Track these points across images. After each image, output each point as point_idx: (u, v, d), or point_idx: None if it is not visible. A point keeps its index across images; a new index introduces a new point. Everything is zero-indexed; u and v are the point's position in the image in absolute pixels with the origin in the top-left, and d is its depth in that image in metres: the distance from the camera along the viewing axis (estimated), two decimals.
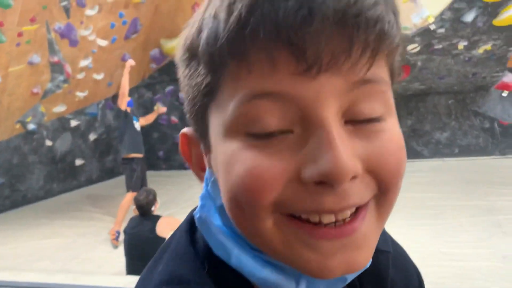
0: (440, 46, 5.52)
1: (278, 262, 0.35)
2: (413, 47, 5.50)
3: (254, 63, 0.30)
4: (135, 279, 2.32)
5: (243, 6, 0.29)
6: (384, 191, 0.33)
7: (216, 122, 0.34)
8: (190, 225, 0.42)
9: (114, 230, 4.27)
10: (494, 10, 5.09)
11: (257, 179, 0.31)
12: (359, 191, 0.31)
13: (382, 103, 0.32)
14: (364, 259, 0.33)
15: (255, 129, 0.31)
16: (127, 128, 4.55)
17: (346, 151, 0.29)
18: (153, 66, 7.72)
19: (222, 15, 0.30)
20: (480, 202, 4.56)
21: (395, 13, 0.32)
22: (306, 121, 0.30)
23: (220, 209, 0.38)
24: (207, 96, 0.34)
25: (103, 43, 5.84)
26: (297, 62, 0.29)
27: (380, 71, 0.32)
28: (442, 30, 5.27)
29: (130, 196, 4.38)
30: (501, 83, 6.36)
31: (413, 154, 6.96)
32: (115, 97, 4.94)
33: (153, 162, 8.39)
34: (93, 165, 7.51)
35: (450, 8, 5.05)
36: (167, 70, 7.59)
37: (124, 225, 3.42)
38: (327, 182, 0.29)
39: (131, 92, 7.75)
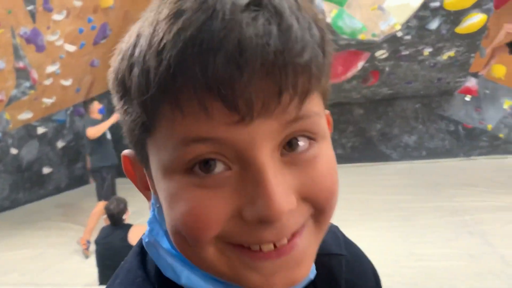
0: (407, 53, 5.68)
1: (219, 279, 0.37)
2: (381, 53, 5.64)
3: (187, 110, 0.31)
4: None
5: (171, 56, 0.29)
6: (320, 212, 0.35)
7: (155, 158, 0.35)
8: (141, 248, 0.43)
9: (84, 239, 4.17)
10: (456, 18, 5.30)
11: (198, 218, 0.32)
12: (295, 220, 0.33)
13: (314, 131, 0.34)
14: (304, 273, 0.35)
15: (196, 168, 0.32)
16: (98, 137, 4.46)
17: (280, 189, 0.31)
18: None
19: (151, 63, 0.30)
20: (447, 203, 4.72)
21: (324, 45, 0.33)
22: (242, 161, 0.32)
23: (167, 233, 0.39)
24: (144, 132, 0.35)
25: (71, 48, 5.70)
26: (230, 112, 0.30)
27: (312, 105, 0.33)
28: (408, 37, 5.43)
29: (101, 205, 4.29)
30: (464, 87, 6.62)
31: (382, 157, 7.12)
32: (86, 104, 4.79)
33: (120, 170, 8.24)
34: (62, 173, 7.30)
35: (415, 16, 5.21)
36: None
37: (95, 235, 3.35)
38: (266, 220, 0.31)
39: (100, 99, 7.61)
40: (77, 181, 7.52)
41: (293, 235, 0.34)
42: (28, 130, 6.52)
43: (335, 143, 7.15)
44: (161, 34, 0.30)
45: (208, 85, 0.29)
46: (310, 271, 0.37)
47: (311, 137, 0.34)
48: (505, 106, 6.39)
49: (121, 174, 7.94)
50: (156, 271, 0.40)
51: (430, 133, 6.99)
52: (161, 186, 0.35)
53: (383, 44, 5.51)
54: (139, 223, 3.41)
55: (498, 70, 6.38)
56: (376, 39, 5.39)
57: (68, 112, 7.20)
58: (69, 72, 6.11)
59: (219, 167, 0.32)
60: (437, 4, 5.12)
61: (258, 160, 0.31)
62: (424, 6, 5.15)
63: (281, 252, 0.33)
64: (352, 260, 0.52)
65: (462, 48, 5.72)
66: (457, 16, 5.27)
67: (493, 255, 3.36)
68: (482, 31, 5.54)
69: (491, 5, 5.23)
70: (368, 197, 5.18)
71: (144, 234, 0.42)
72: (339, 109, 7.01)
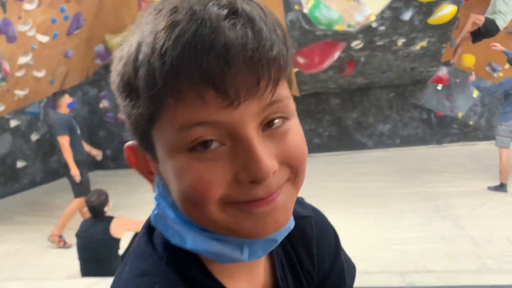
0: (381, 43, 5.79)
1: (224, 238, 0.45)
2: (356, 44, 5.74)
3: (188, 100, 0.39)
4: (95, 280, 2.30)
5: (173, 58, 0.37)
6: (295, 174, 0.44)
7: (161, 142, 0.42)
8: (148, 228, 0.50)
9: (55, 234, 4.11)
10: (428, 9, 5.44)
11: (204, 185, 0.41)
12: (278, 180, 0.42)
13: (286, 112, 0.43)
14: (285, 219, 0.45)
15: (198, 147, 0.40)
16: (68, 132, 4.34)
17: (265, 156, 0.40)
18: (98, 62, 7.45)
19: (156, 64, 0.38)
20: (421, 189, 4.90)
21: (286, 42, 0.42)
22: (234, 138, 0.40)
23: (172, 205, 0.47)
24: (149, 123, 0.42)
25: (43, 39, 5.55)
26: (222, 99, 0.38)
27: (282, 90, 0.42)
28: (382, 28, 5.54)
29: (77, 202, 4.25)
30: (436, 77, 6.82)
31: (358, 145, 7.28)
32: (55, 96, 4.62)
33: (100, 161, 8.13)
34: (36, 166, 7.14)
35: (389, 7, 5.32)
36: None
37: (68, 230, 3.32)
38: (256, 180, 0.40)
39: (74, 91, 7.47)
40: (53, 175, 7.37)
41: (276, 191, 0.43)
42: (0, 123, 6.35)
43: (312, 133, 7.26)
44: (162, 41, 0.38)
45: (204, 78, 0.37)
46: (290, 221, 0.47)
47: (284, 116, 0.43)
48: (474, 94, 6.61)
49: (98, 166, 7.82)
50: (163, 243, 0.48)
51: (404, 122, 7.17)
52: (168, 164, 0.43)
53: (358, 35, 5.61)
54: (119, 215, 3.40)
55: (468, 60, 6.61)
56: (351, 29, 5.48)
57: (42, 104, 7.04)
58: (42, 63, 5.96)
59: (214, 144, 0.40)
60: None
61: (247, 135, 0.40)
62: None
63: (268, 200, 0.42)
64: (319, 221, 0.63)
65: (434, 38, 5.88)
66: (429, 7, 5.41)
67: (464, 237, 3.53)
68: (453, 22, 5.71)
69: None
70: (344, 185, 5.31)
71: (152, 210, 0.49)
72: (315, 99, 7.10)
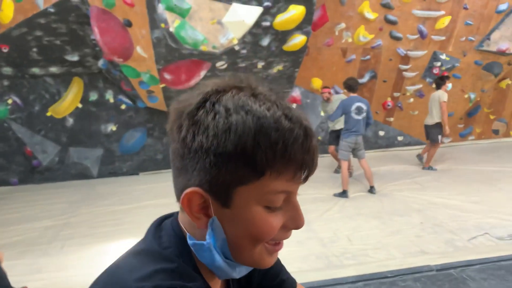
0: (244, 65, 6.24)
1: (231, 263, 0.65)
2: (221, 64, 6.07)
3: (285, 176, 0.59)
4: None
5: (289, 150, 0.57)
6: None
7: (246, 197, 0.60)
8: (156, 238, 0.67)
9: None
10: (283, 37, 6.09)
11: (271, 230, 0.62)
12: None
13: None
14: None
15: (273, 205, 0.61)
16: None
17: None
18: None
19: (277, 150, 0.57)
20: None
21: None
22: (289, 201, 0.63)
23: (221, 242, 0.63)
24: (246, 183, 0.58)
25: None
26: (303, 180, 0.62)
27: None
28: (244, 51, 5.99)
29: None
30: (291, 97, 7.58)
31: None
32: None
33: None
34: None
35: (250, 32, 5.79)
36: None
37: None
38: (296, 229, 0.64)
39: None
40: None
41: None
42: None
43: None
44: (284, 138, 0.57)
45: (301, 166, 0.60)
46: None
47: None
48: (322, 113, 7.55)
49: None
50: (174, 250, 0.65)
51: None
52: (248, 212, 0.60)
53: (222, 56, 5.95)
54: None
55: (316, 83, 7.54)
56: (216, 51, 5.80)
57: None
58: None
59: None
60: (267, 23, 5.80)
61: (296, 201, 0.64)
62: (257, 25, 5.77)
63: (282, 244, 0.67)
64: None
65: (288, 63, 6.57)
66: (284, 35, 6.06)
67: (314, 239, 4.03)
68: (303, 49, 6.48)
69: (309, 28, 6.17)
70: None
71: (192, 239, 0.66)
72: None
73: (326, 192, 5.55)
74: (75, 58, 6.31)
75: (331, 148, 6.54)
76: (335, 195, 5.41)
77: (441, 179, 5.95)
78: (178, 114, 0.61)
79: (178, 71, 6.02)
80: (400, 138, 8.33)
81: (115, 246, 3.98)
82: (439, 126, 6.55)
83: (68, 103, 6.82)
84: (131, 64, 5.86)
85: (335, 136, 6.29)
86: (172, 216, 0.71)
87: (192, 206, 0.62)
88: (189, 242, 0.64)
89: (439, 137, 6.56)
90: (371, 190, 5.46)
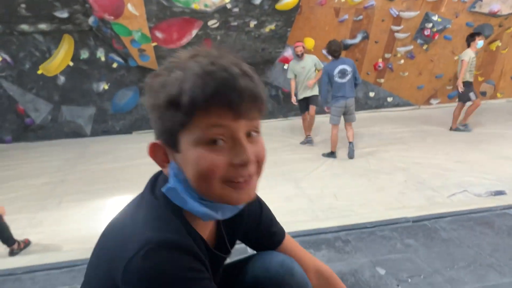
0: (236, 24, 6.20)
1: (210, 205, 0.75)
2: (213, 23, 6.04)
3: (213, 112, 0.67)
4: None
5: (211, 91, 0.65)
6: (260, 169, 0.77)
7: (187, 138, 0.69)
8: (152, 192, 0.79)
9: None
10: None
11: (212, 167, 0.70)
12: (252, 170, 0.73)
13: (259, 129, 0.75)
14: (254, 194, 0.77)
15: (210, 140, 0.69)
16: None
17: (250, 151, 0.71)
18: None
19: (199, 94, 0.65)
20: (270, 157, 5.51)
21: (264, 90, 0.74)
22: (233, 138, 0.70)
23: (183, 182, 0.74)
24: (182, 126, 0.68)
25: None
26: (234, 114, 0.68)
27: (260, 116, 0.75)
28: (236, 10, 5.93)
29: None
30: (283, 57, 7.58)
31: None
32: None
33: None
34: None
35: None
36: None
37: None
38: (243, 165, 0.70)
39: None
40: None
41: (251, 177, 0.74)
42: None
43: None
44: (204, 81, 0.65)
45: (228, 105, 0.67)
46: (254, 196, 0.79)
47: (257, 131, 0.74)
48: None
49: None
50: (165, 199, 0.76)
51: None
52: (191, 154, 0.70)
53: (214, 14, 5.90)
54: None
55: (308, 43, 7.52)
56: (208, 9, 5.74)
57: None
58: None
59: (220, 143, 0.69)
60: None
61: (240, 136, 0.70)
62: None
63: (247, 182, 0.73)
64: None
65: (281, 22, 6.54)
66: None
67: (302, 195, 4.22)
68: (296, 8, 6.44)
69: None
70: None
71: (165, 186, 0.76)
72: None
73: (315, 152, 5.72)
74: (64, 14, 6.21)
75: (305, 115, 6.19)
76: (323, 155, 5.55)
77: (427, 140, 6.13)
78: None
79: (170, 30, 5.99)
80: (389, 99, 8.45)
81: (112, 202, 4.13)
82: (468, 85, 6.43)
83: (59, 61, 6.77)
84: (122, 22, 5.80)
85: (305, 105, 6.09)
86: None
87: (157, 156, 0.75)
88: (163, 190, 0.75)
89: (471, 94, 6.42)
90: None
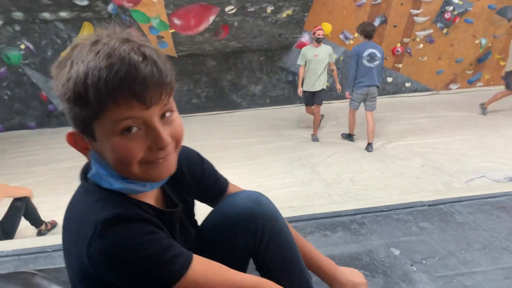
0: (253, 9, 6.19)
1: (135, 181, 0.79)
2: (230, 9, 6.04)
3: (121, 105, 0.69)
4: None
5: (114, 84, 0.67)
6: (177, 144, 0.81)
7: (101, 129, 0.72)
8: (85, 185, 0.83)
9: None
10: None
11: (129, 153, 0.73)
12: (170, 148, 0.78)
13: (172, 109, 0.78)
14: (173, 168, 0.81)
15: (124, 131, 0.71)
16: None
17: (165, 134, 0.74)
18: None
19: (103, 87, 0.67)
20: (286, 142, 5.60)
21: (172, 71, 0.75)
22: (147, 125, 0.73)
23: (105, 166, 0.77)
24: (93, 119, 0.71)
25: None
26: (141, 105, 0.70)
27: (170, 97, 0.76)
28: None
29: None
30: (299, 42, 7.54)
31: (233, 105, 7.75)
32: None
33: None
34: None
35: None
36: None
37: None
38: (161, 148, 0.75)
39: None
40: None
41: (170, 154, 0.78)
42: None
43: (191, 93, 7.49)
44: (105, 74, 0.67)
45: (132, 93, 0.68)
46: (175, 168, 0.83)
47: (171, 111, 0.77)
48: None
49: None
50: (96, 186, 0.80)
51: (273, 83, 7.83)
52: (106, 142, 0.73)
53: (231, 0, 5.90)
54: None
55: (325, 28, 7.46)
56: None
57: None
58: None
59: (134, 129, 0.72)
60: None
61: (154, 123, 0.73)
62: None
63: (166, 159, 0.78)
64: (184, 151, 0.99)
65: (298, 7, 6.50)
66: None
67: (318, 180, 4.28)
68: None
69: None
70: (223, 142, 5.76)
71: (90, 172, 0.81)
72: (193, 60, 7.28)
73: (332, 137, 5.74)
74: (84, 2, 6.30)
75: (309, 109, 5.89)
76: (342, 135, 5.63)
77: (445, 125, 6.07)
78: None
79: (187, 16, 6.02)
80: (407, 85, 8.35)
81: None
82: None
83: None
84: (141, 9, 5.86)
85: (311, 98, 5.73)
86: None
87: (77, 144, 0.79)
88: (89, 176, 0.81)
89: None
90: (368, 147, 5.12)
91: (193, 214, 1.09)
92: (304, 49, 5.66)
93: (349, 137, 5.54)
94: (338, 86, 5.86)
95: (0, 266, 1.98)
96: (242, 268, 1.10)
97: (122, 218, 0.73)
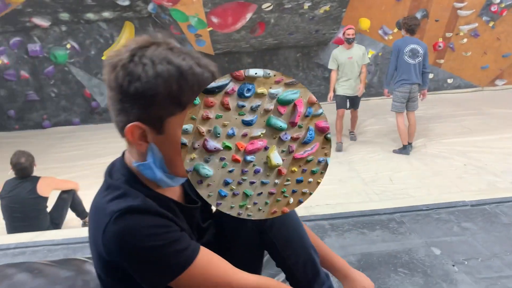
0: (289, 6, 6.18)
1: (170, 176, 0.86)
2: (267, 6, 6.06)
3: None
4: (36, 234, 2.44)
5: (197, 86, 0.77)
6: None
7: (173, 124, 0.78)
8: (109, 174, 0.90)
9: None
10: None
11: None
12: None
13: None
14: None
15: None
16: None
17: None
18: None
19: (196, 90, 0.76)
20: None
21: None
22: None
23: (158, 159, 0.83)
24: (171, 115, 0.78)
25: None
26: None
27: None
28: None
29: None
30: (337, 38, 7.45)
31: None
32: None
33: (3, 122, 7.64)
34: None
35: None
36: (11, 20, 6.81)
37: None
38: None
39: None
40: None
41: None
42: None
43: None
44: (197, 76, 0.78)
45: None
46: None
47: None
48: (369, 55, 7.40)
49: (0, 128, 7.32)
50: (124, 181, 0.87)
51: (309, 80, 7.79)
52: (174, 137, 0.78)
53: None
54: (45, 175, 3.46)
55: (364, 23, 7.34)
56: None
57: None
58: None
59: None
60: None
61: None
62: None
63: None
64: None
65: (335, 3, 6.42)
66: None
67: (356, 178, 4.23)
68: None
69: None
70: None
71: (135, 161, 0.86)
72: (229, 57, 7.37)
73: (369, 135, 5.65)
74: (126, 2, 6.51)
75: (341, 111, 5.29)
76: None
77: (491, 123, 5.83)
78: (112, 67, 0.78)
79: (225, 14, 6.09)
80: (449, 81, 8.06)
81: None
82: None
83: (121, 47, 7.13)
84: (180, 8, 5.99)
85: (344, 102, 5.28)
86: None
87: (134, 136, 0.81)
88: (134, 164, 0.86)
89: None
90: (406, 148, 4.80)
91: (210, 210, 1.15)
92: (335, 51, 5.19)
93: (403, 150, 4.84)
94: (331, 94, 5.28)
95: (51, 253, 2.10)
96: (256, 253, 1.16)
97: (136, 209, 0.78)
